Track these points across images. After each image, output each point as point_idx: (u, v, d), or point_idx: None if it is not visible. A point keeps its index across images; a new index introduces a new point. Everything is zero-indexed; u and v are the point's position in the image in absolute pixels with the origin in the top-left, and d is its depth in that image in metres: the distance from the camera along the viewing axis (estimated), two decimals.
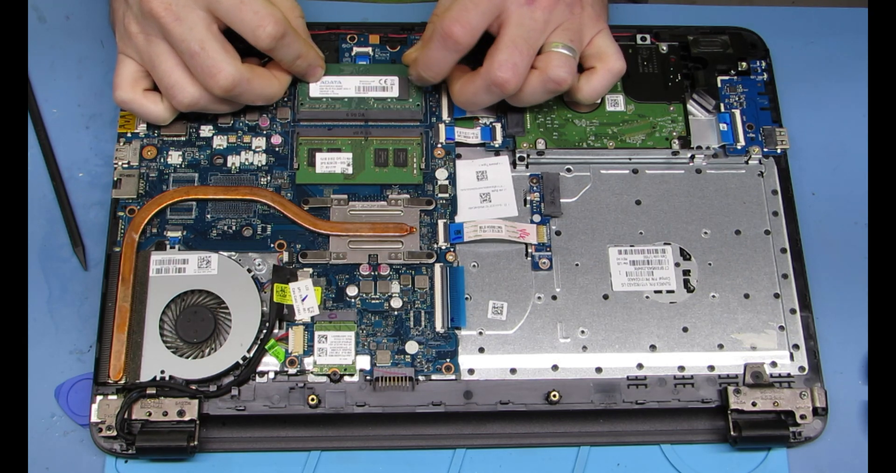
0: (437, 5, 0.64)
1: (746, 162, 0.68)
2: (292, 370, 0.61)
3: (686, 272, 0.65)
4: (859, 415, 0.64)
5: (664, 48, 0.71)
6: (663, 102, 0.70)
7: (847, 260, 0.68)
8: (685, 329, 0.64)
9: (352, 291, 0.63)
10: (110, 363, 0.60)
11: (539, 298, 0.64)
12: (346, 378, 0.61)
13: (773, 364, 0.63)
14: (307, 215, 0.65)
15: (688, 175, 0.68)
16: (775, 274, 0.65)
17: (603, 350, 0.63)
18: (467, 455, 0.62)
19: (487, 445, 0.62)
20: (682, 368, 0.63)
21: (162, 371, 0.60)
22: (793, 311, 0.64)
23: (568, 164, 0.68)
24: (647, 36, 0.72)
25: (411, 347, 0.62)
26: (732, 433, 0.61)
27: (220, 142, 0.67)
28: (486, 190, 0.67)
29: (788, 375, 0.63)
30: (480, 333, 0.63)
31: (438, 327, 0.63)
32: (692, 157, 0.68)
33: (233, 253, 0.64)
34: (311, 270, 0.64)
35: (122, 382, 0.60)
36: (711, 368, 0.63)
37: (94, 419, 0.60)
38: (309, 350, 0.62)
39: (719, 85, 0.70)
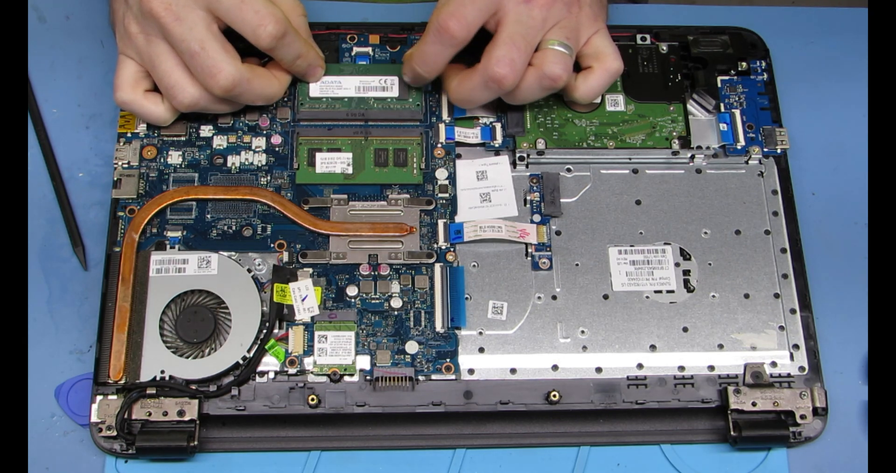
0: (438, 2, 0.64)
1: (746, 162, 0.68)
2: (292, 370, 0.61)
3: (686, 272, 0.65)
4: (859, 415, 0.64)
5: (664, 48, 0.71)
6: (663, 102, 0.70)
7: (847, 260, 0.68)
8: (685, 329, 0.64)
9: (352, 291, 0.63)
10: (110, 363, 0.60)
11: (539, 298, 0.64)
12: (346, 378, 0.61)
13: (773, 364, 0.63)
14: (307, 215, 0.65)
15: (688, 175, 0.68)
16: (775, 274, 0.65)
17: (603, 350, 0.63)
18: (467, 455, 0.62)
19: (487, 445, 0.62)
20: (682, 368, 0.63)
21: (162, 371, 0.60)
22: (793, 311, 0.64)
23: (568, 164, 0.68)
24: (647, 36, 0.72)
25: (411, 347, 0.62)
26: (732, 433, 0.61)
27: (220, 142, 0.67)
28: (486, 190, 0.67)
29: (788, 375, 0.63)
30: (480, 333, 0.63)
31: (438, 327, 0.63)
32: (692, 157, 0.68)
33: (233, 253, 0.64)
34: (311, 270, 0.64)
35: (122, 382, 0.60)
36: (711, 368, 0.63)
37: (94, 419, 0.60)
38: (309, 350, 0.62)
39: (719, 85, 0.70)
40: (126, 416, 0.59)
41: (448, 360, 0.62)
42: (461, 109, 0.68)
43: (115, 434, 0.59)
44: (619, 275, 0.65)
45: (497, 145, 0.68)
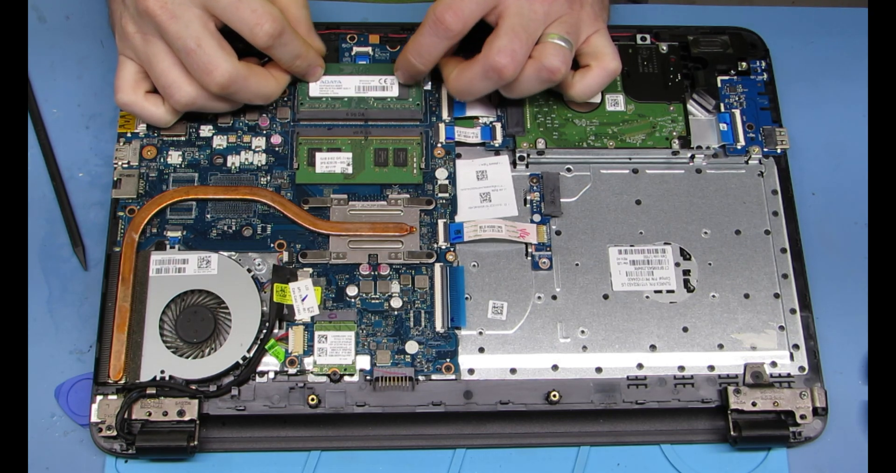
0: None
1: (746, 162, 0.68)
2: (292, 370, 0.61)
3: (686, 272, 0.65)
4: (859, 415, 0.64)
5: (664, 48, 0.71)
6: (663, 101, 0.70)
7: (847, 260, 0.68)
8: (685, 329, 0.64)
9: (352, 291, 0.63)
10: (110, 363, 0.60)
11: (539, 298, 0.64)
12: (346, 378, 0.61)
13: (773, 364, 0.63)
14: (307, 214, 0.65)
15: (688, 175, 0.68)
16: (775, 274, 0.65)
17: (603, 350, 0.63)
18: (467, 455, 0.62)
19: (487, 445, 0.62)
20: (682, 368, 0.63)
21: (162, 371, 0.60)
22: (793, 311, 0.64)
23: (568, 163, 0.68)
24: (647, 36, 0.72)
25: (411, 347, 0.62)
26: (732, 433, 0.61)
27: (219, 142, 0.67)
28: (486, 190, 0.67)
29: (788, 375, 0.63)
30: (480, 333, 0.63)
31: (438, 327, 0.63)
32: (692, 157, 0.68)
33: (233, 253, 0.64)
34: (311, 270, 0.64)
35: (122, 382, 0.60)
36: (711, 368, 0.63)
37: (94, 419, 0.60)
38: (309, 350, 0.62)
39: (719, 85, 0.70)
40: (126, 416, 0.59)
41: (448, 360, 0.62)
42: (461, 109, 0.68)
43: (115, 434, 0.59)
44: (619, 275, 0.65)
45: (497, 145, 0.68)
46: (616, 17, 0.74)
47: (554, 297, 0.64)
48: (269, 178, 0.66)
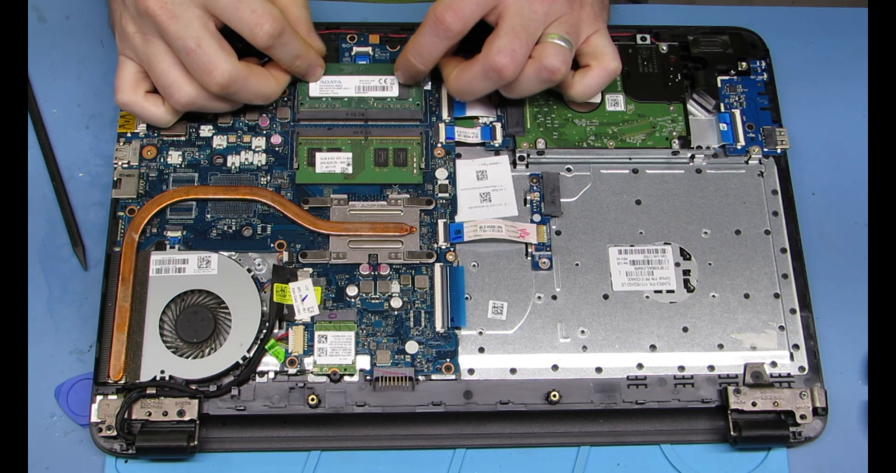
0: None
1: (746, 162, 0.68)
2: (292, 370, 0.61)
3: (686, 272, 0.65)
4: (859, 415, 0.64)
5: (664, 48, 0.71)
6: (663, 101, 0.70)
7: (847, 260, 0.68)
8: (685, 329, 0.64)
9: (352, 291, 0.63)
10: (110, 363, 0.60)
11: (539, 298, 0.64)
12: (346, 378, 0.61)
13: (773, 364, 0.63)
14: (307, 214, 0.65)
15: (688, 175, 0.68)
16: (775, 274, 0.65)
17: (603, 350, 0.63)
18: (467, 455, 0.62)
19: (487, 445, 0.62)
20: (682, 368, 0.63)
21: (162, 371, 0.60)
22: (793, 311, 0.64)
23: (568, 163, 0.68)
24: (647, 36, 0.72)
25: (411, 347, 0.62)
26: (732, 433, 0.61)
27: (219, 142, 0.67)
28: (486, 190, 0.67)
29: (788, 375, 0.63)
30: (480, 333, 0.63)
31: (438, 327, 0.63)
32: (692, 157, 0.68)
33: (233, 253, 0.64)
34: (311, 270, 0.64)
35: (122, 382, 0.60)
36: (711, 368, 0.63)
37: (94, 419, 0.60)
38: (309, 350, 0.62)
39: (719, 85, 0.70)
40: (126, 416, 0.59)
41: (448, 360, 0.62)
42: (461, 109, 0.68)
43: (115, 434, 0.59)
44: (619, 275, 0.65)
45: (497, 145, 0.68)
46: (616, 17, 0.74)
47: (554, 297, 0.64)
48: (269, 178, 0.66)
